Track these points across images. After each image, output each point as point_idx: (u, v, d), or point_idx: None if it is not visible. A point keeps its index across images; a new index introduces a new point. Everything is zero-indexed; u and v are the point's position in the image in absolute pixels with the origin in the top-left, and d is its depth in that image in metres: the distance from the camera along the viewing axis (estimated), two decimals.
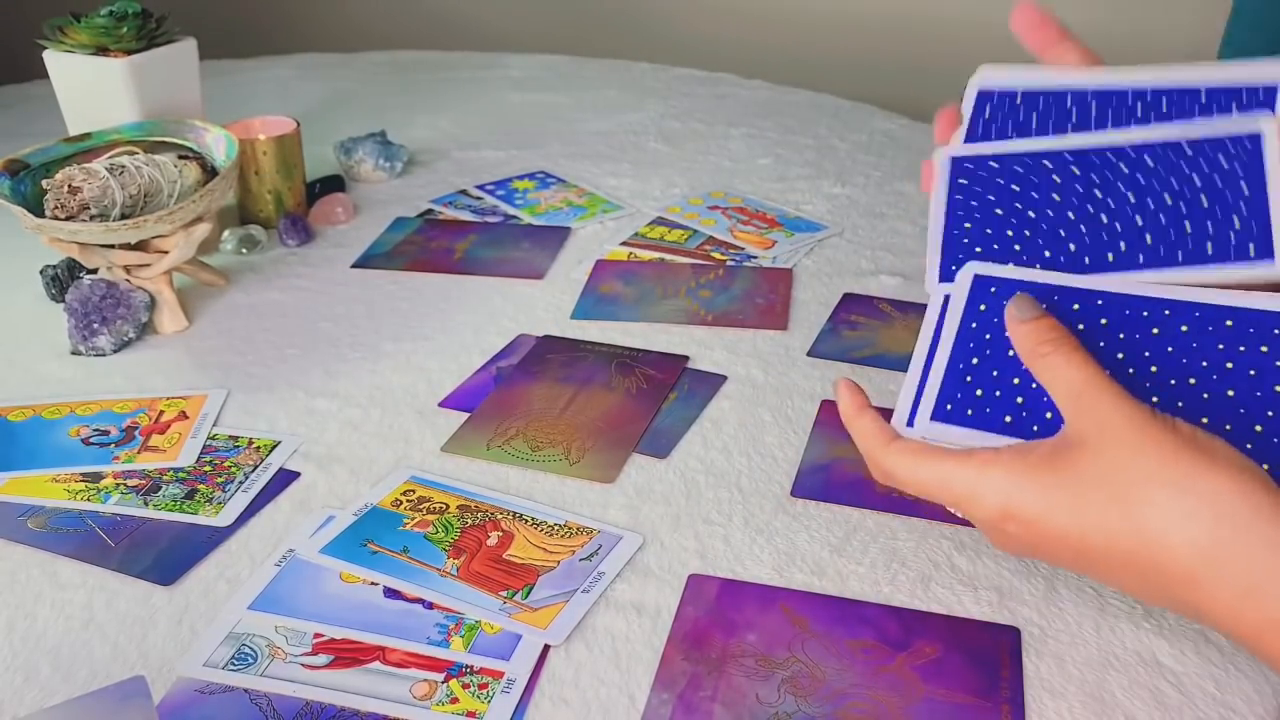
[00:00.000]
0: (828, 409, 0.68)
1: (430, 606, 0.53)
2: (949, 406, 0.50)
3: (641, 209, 0.97)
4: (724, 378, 0.72)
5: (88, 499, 0.60)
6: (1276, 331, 0.46)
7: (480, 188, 1.03)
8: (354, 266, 0.88)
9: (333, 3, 2.14)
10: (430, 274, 0.87)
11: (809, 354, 0.74)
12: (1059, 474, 0.44)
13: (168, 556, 0.56)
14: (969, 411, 0.49)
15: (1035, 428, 0.47)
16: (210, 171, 0.82)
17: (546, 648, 0.51)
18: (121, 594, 0.54)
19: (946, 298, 0.51)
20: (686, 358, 0.74)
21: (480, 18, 2.04)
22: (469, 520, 0.58)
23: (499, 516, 0.59)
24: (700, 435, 0.66)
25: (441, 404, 0.70)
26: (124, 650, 0.51)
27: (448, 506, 0.60)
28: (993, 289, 0.51)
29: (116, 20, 0.86)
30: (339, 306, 0.82)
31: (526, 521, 0.59)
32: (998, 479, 0.45)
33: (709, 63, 1.43)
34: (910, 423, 0.50)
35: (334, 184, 1.01)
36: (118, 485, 0.62)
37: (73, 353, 0.76)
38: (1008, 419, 0.48)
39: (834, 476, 0.62)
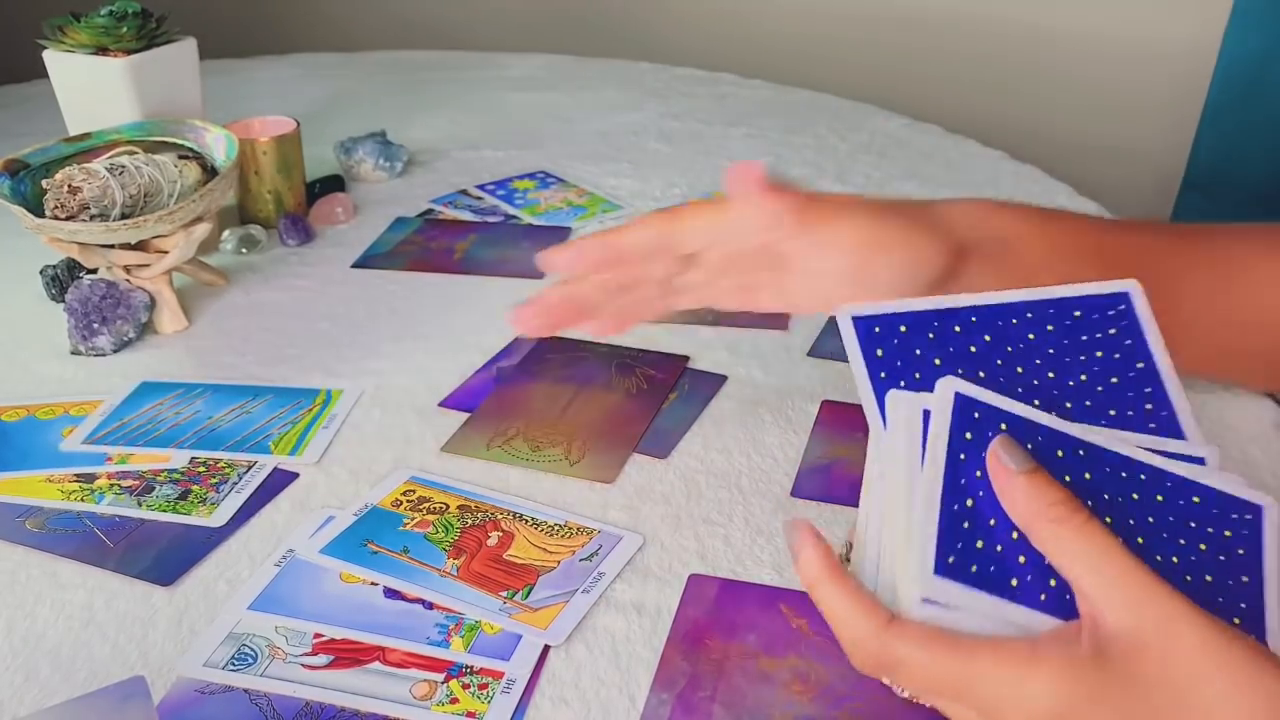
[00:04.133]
0: (828, 409, 0.68)
1: (430, 607, 0.53)
2: (951, 560, 0.40)
3: (641, 209, 0.97)
4: (724, 378, 0.72)
5: (81, 499, 0.60)
6: (1246, 516, 0.43)
7: (480, 188, 1.03)
8: (354, 266, 0.88)
9: (333, 3, 2.14)
10: (430, 274, 0.87)
11: (809, 354, 0.74)
12: (1115, 676, 0.38)
13: (167, 557, 0.56)
14: (972, 568, 0.40)
15: (1042, 595, 0.40)
16: (210, 171, 0.82)
17: (546, 648, 0.51)
18: (121, 594, 0.54)
19: (926, 415, 0.43)
20: (687, 358, 0.74)
21: (480, 18, 2.04)
22: (469, 520, 0.58)
23: (499, 517, 0.59)
24: (700, 435, 0.66)
25: (441, 404, 0.70)
26: (124, 650, 0.51)
27: (448, 507, 0.60)
28: (976, 414, 0.43)
29: (116, 20, 0.86)
30: (339, 306, 0.82)
31: (526, 522, 0.59)
32: (1045, 681, 0.38)
33: (709, 63, 1.43)
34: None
35: (334, 184, 1.01)
36: (111, 485, 0.62)
37: (73, 353, 0.76)
38: (1013, 581, 0.40)
39: (834, 477, 0.62)
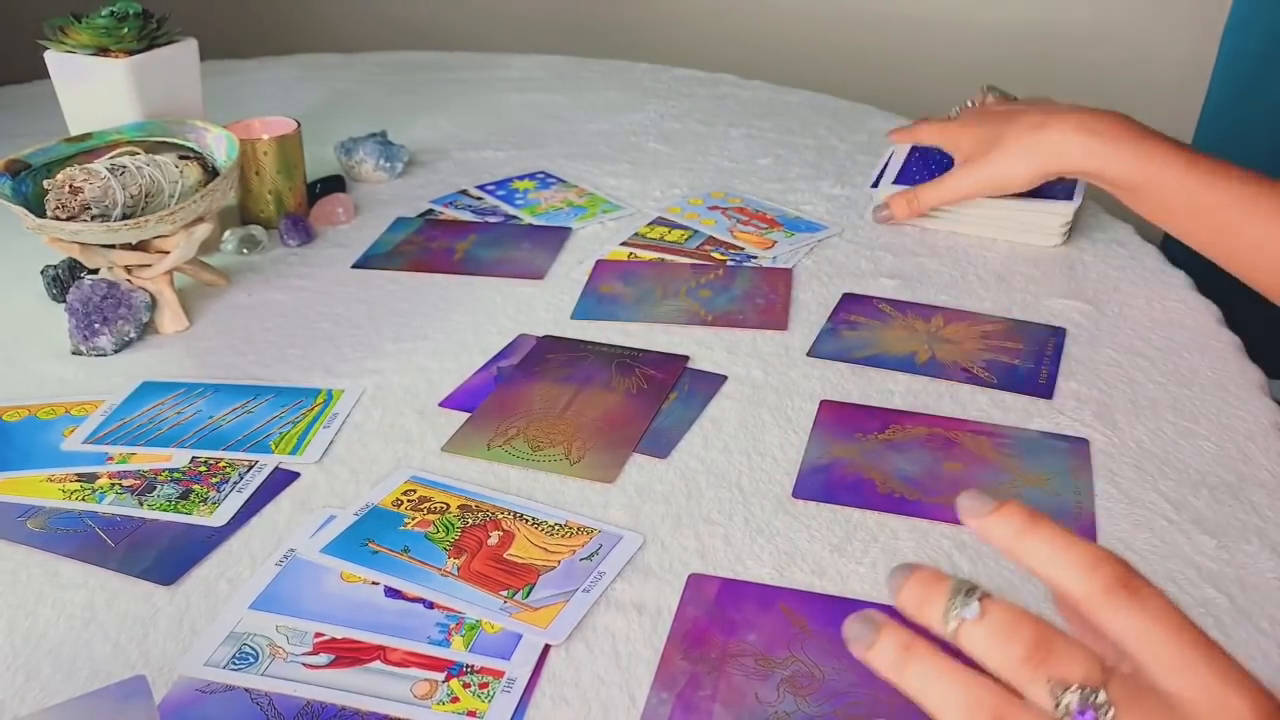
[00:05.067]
0: (827, 409, 0.68)
1: (431, 606, 0.53)
2: None
3: (641, 209, 0.97)
4: (724, 378, 0.72)
5: (83, 499, 0.61)
6: None
7: (480, 188, 1.03)
8: (354, 267, 0.88)
9: (333, 3, 2.14)
10: (430, 274, 0.87)
11: (809, 354, 0.74)
12: None
13: (168, 556, 0.57)
14: None
15: None
16: (211, 172, 0.82)
17: (547, 647, 0.51)
18: (123, 594, 0.54)
19: None
20: (686, 358, 0.74)
21: (481, 18, 2.04)
22: (469, 520, 0.59)
23: (499, 516, 0.59)
24: (700, 435, 0.66)
25: (442, 404, 0.70)
26: (125, 650, 0.51)
27: (448, 506, 0.60)
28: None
29: (117, 20, 0.86)
30: (339, 306, 0.82)
31: (527, 521, 0.59)
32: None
33: (709, 63, 1.43)
34: None
35: (335, 184, 1.02)
36: (113, 485, 0.62)
37: (73, 353, 0.76)
38: None
39: (834, 477, 0.62)
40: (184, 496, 0.61)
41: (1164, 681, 0.32)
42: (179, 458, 0.64)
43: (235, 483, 0.62)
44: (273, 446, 0.65)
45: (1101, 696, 0.32)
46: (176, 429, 0.66)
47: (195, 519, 0.59)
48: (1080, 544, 0.34)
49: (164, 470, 0.63)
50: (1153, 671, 0.32)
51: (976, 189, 0.85)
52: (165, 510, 0.60)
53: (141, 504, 0.60)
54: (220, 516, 0.59)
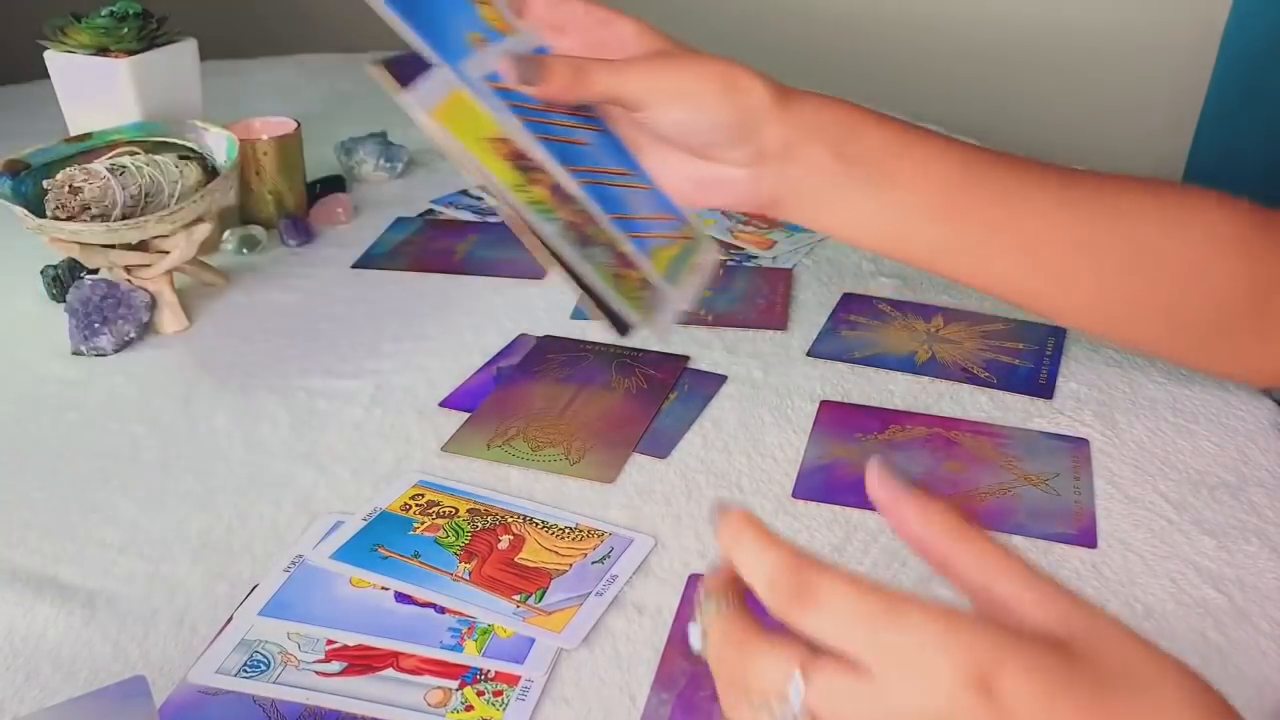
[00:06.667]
0: (827, 409, 0.68)
1: (443, 611, 0.52)
2: None
3: None
4: (724, 378, 0.72)
5: None
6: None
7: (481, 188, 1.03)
8: (354, 267, 0.88)
9: (334, 3, 2.14)
10: (431, 274, 0.87)
11: (809, 354, 0.74)
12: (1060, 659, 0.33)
13: None
14: None
15: None
16: (211, 172, 0.82)
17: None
18: (122, 594, 0.54)
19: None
20: (687, 358, 0.74)
21: None
22: (479, 524, 0.58)
23: (509, 520, 0.59)
24: (700, 435, 0.66)
25: (442, 404, 0.70)
26: (125, 650, 0.51)
27: (458, 510, 0.60)
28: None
29: (117, 20, 0.86)
30: (339, 307, 0.82)
31: (537, 525, 0.58)
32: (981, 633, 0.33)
33: None
34: None
35: (335, 184, 1.01)
36: None
37: (74, 353, 0.76)
38: None
39: (834, 477, 0.62)
40: None
41: (863, 659, 0.33)
42: None
43: None
44: None
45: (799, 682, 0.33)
46: None
47: None
48: (767, 554, 0.35)
49: None
50: (851, 656, 0.33)
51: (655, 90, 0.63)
52: None
53: None
54: None
